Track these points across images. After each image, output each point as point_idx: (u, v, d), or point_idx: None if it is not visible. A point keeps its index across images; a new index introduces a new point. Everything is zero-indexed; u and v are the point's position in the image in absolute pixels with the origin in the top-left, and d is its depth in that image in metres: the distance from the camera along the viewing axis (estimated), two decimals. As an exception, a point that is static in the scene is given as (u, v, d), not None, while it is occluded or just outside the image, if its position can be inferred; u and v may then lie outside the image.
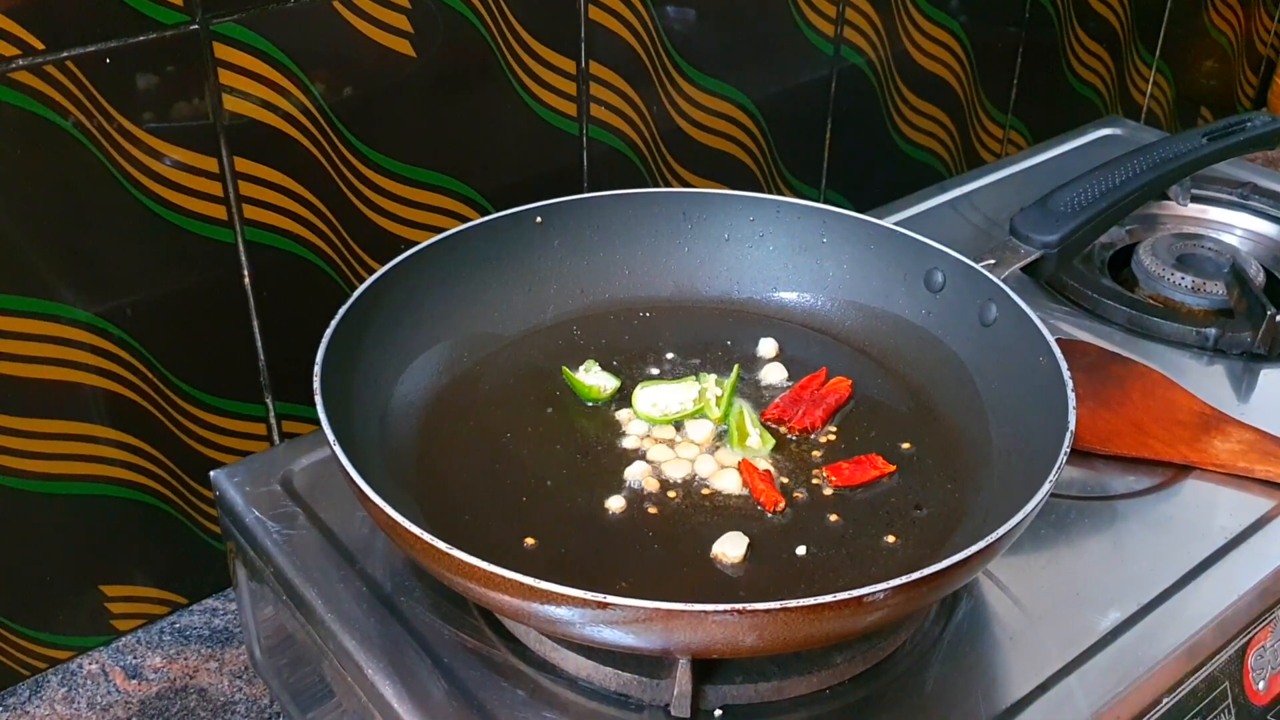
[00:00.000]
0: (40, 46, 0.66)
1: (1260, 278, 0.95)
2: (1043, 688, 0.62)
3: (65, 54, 0.67)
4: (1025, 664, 0.64)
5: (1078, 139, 1.18)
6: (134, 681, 0.80)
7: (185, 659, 0.82)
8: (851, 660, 0.62)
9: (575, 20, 0.87)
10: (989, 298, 0.74)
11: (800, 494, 0.68)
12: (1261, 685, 0.71)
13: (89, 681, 0.80)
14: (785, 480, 0.69)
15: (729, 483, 0.69)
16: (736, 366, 0.77)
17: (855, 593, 0.53)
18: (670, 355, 0.79)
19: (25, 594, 0.78)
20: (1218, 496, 0.75)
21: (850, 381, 0.76)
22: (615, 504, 0.68)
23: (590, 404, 0.75)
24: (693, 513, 0.67)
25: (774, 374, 0.78)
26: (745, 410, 0.73)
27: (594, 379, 0.75)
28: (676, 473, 0.70)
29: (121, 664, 0.81)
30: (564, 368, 0.76)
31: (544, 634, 0.63)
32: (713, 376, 0.76)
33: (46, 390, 0.73)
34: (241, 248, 0.78)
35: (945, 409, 0.74)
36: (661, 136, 0.97)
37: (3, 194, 0.68)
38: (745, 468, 0.69)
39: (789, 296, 0.83)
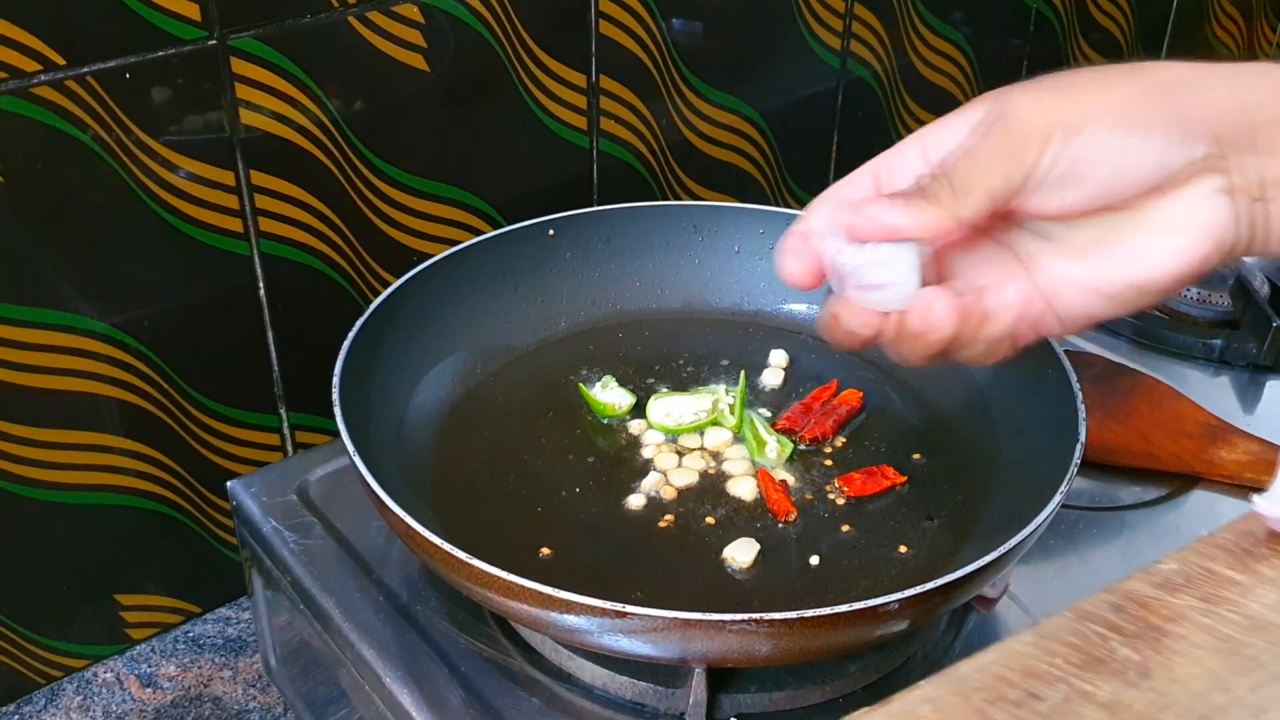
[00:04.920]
0: (61, 62, 0.67)
1: (1265, 289, 0.96)
2: (1053, 696, 0.63)
3: (85, 69, 0.68)
4: (1036, 673, 0.64)
5: (1082, 151, 1.19)
6: (149, 690, 0.81)
7: (199, 668, 0.82)
8: (864, 669, 0.63)
9: (586, 35, 0.88)
10: (998, 310, 0.75)
11: (813, 504, 0.69)
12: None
13: (104, 690, 0.81)
14: (798, 490, 0.70)
15: (743, 490, 0.69)
16: (743, 373, 0.78)
17: (870, 603, 0.54)
18: (681, 366, 0.80)
19: (41, 603, 0.78)
20: (1224, 507, 0.76)
21: (860, 394, 0.77)
22: (630, 513, 0.68)
23: (606, 420, 0.75)
24: (708, 522, 0.68)
25: (771, 378, 0.79)
26: (756, 419, 0.74)
27: (610, 396, 0.75)
28: (689, 482, 0.70)
29: (136, 672, 0.82)
30: (580, 385, 0.76)
31: (560, 643, 0.63)
32: (722, 386, 0.77)
33: (63, 401, 0.74)
34: (257, 260, 0.79)
35: (955, 420, 0.75)
36: (670, 149, 0.98)
37: (22, 207, 0.69)
38: (763, 476, 0.70)
39: (799, 308, 0.83)
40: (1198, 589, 0.48)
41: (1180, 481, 0.78)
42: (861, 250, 0.49)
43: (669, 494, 0.70)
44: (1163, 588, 0.48)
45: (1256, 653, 0.45)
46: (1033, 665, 0.44)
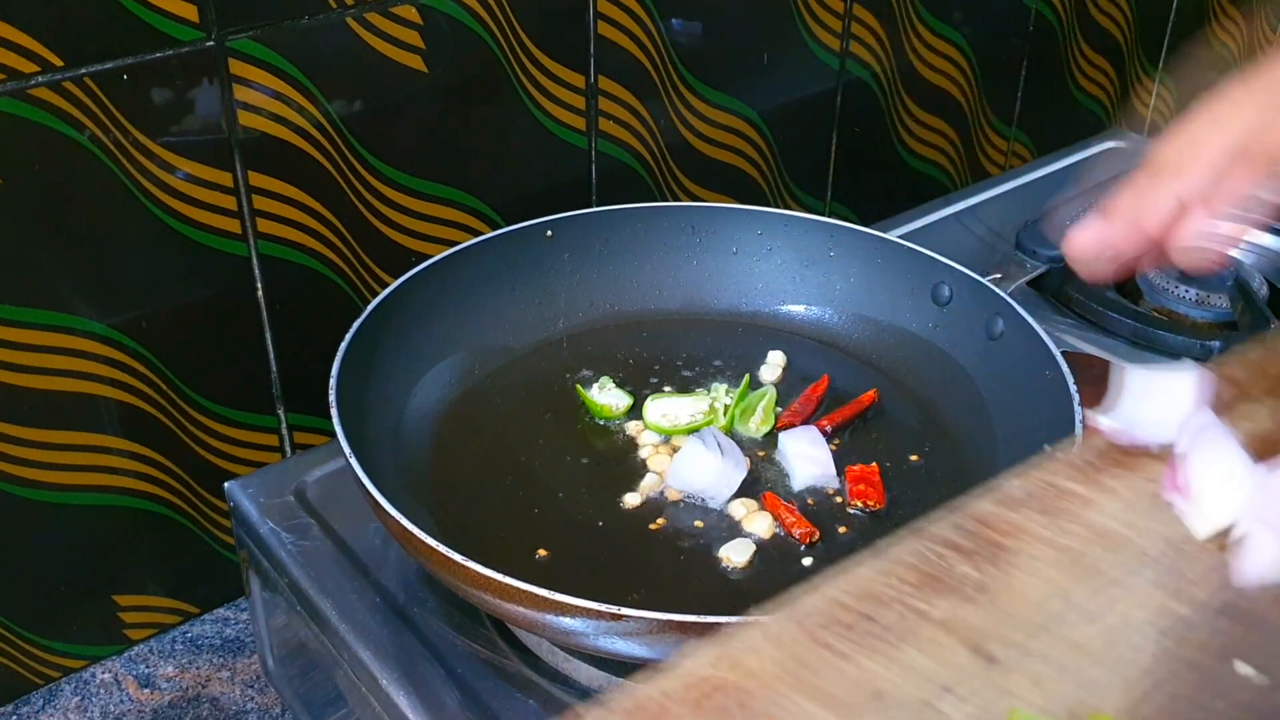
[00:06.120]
0: (59, 63, 0.67)
1: (1264, 290, 0.96)
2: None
3: (83, 70, 0.68)
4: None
5: (1081, 152, 1.19)
6: (147, 690, 0.81)
7: (197, 668, 0.82)
8: (860, 671, 0.63)
9: (585, 36, 0.88)
10: (996, 312, 0.75)
11: (811, 505, 0.69)
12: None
13: (102, 690, 0.81)
14: (799, 496, 0.70)
15: (759, 527, 0.68)
16: (746, 376, 0.78)
17: (865, 605, 0.54)
18: (679, 367, 0.80)
19: (39, 603, 0.78)
20: (1222, 508, 0.76)
21: (871, 394, 0.77)
22: (626, 515, 0.68)
23: (603, 421, 0.75)
24: (702, 523, 0.68)
25: (769, 378, 0.79)
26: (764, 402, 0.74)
27: (607, 397, 0.75)
28: (686, 484, 0.70)
29: (134, 673, 0.82)
30: (578, 386, 0.76)
31: (557, 645, 0.63)
32: (722, 386, 0.77)
33: (61, 402, 0.74)
34: (255, 261, 0.79)
35: (953, 421, 0.75)
36: (669, 150, 0.98)
37: (20, 208, 0.69)
38: (771, 503, 0.69)
39: (797, 309, 0.83)
40: (1039, 503, 0.47)
41: (1178, 483, 0.78)
42: None
43: (673, 494, 0.69)
44: (1004, 504, 0.47)
45: (1095, 560, 0.45)
46: (869, 588, 0.43)
